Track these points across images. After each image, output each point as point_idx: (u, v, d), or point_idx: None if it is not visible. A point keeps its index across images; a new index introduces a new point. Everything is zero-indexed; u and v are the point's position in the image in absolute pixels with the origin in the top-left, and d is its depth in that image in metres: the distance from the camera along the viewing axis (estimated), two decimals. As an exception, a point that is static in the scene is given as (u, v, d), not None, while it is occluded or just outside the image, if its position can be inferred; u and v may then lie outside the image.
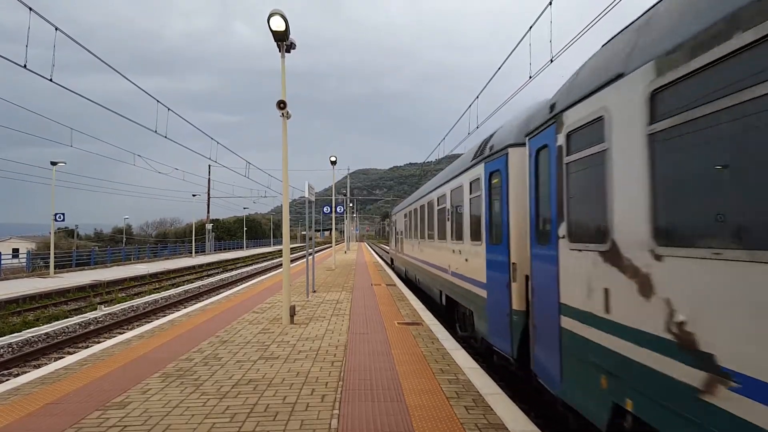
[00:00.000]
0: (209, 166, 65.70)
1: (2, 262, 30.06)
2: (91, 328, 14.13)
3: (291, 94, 10.71)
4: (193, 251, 55.72)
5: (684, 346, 3.02)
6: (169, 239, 75.65)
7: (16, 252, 44.28)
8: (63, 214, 31.67)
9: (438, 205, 12.63)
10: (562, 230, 4.87)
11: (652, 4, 3.81)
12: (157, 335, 9.53)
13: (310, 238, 16.65)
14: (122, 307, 17.92)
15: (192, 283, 27.70)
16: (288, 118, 10.74)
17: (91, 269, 34.99)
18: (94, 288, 23.80)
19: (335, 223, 31.29)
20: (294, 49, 10.50)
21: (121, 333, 13.39)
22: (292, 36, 10.41)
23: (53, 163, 30.53)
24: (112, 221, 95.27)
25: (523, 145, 6.42)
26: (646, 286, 3.42)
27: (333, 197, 28.01)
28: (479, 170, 8.38)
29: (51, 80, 12.61)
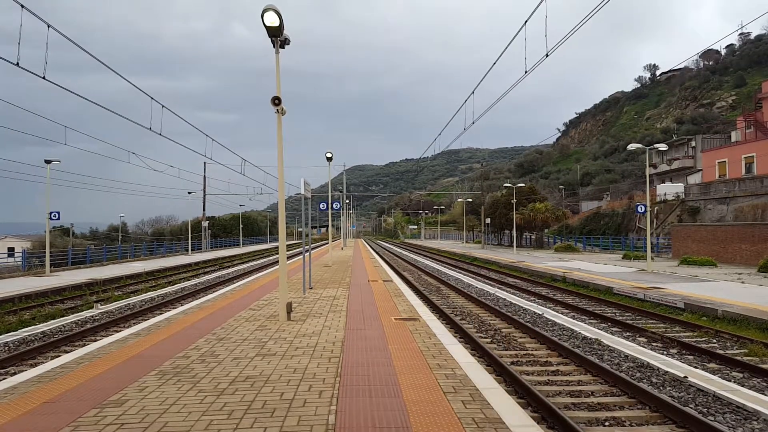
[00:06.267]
0: (204, 163, 65.58)
1: (-3, 261, 29.91)
2: (88, 326, 14.08)
3: (288, 93, 10.74)
4: (189, 249, 55.61)
5: None
6: (165, 237, 75.40)
7: (11, 251, 44.05)
8: (58, 213, 31.46)
9: None
10: None
11: None
12: (153, 333, 9.52)
13: (307, 235, 16.64)
14: (118, 305, 17.87)
15: (188, 280, 27.64)
16: (283, 114, 10.71)
17: (87, 268, 34.86)
18: (91, 286, 23.72)
19: (331, 220, 31.23)
20: (288, 44, 10.47)
21: (117, 331, 13.35)
22: (290, 35, 10.37)
23: (47, 162, 30.34)
24: (107, 219, 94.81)
25: None
26: None
27: (329, 193, 27.95)
28: None
29: (44, 78, 12.57)
